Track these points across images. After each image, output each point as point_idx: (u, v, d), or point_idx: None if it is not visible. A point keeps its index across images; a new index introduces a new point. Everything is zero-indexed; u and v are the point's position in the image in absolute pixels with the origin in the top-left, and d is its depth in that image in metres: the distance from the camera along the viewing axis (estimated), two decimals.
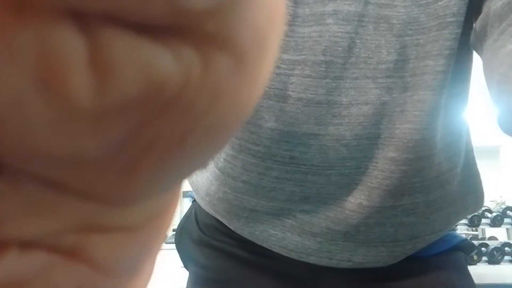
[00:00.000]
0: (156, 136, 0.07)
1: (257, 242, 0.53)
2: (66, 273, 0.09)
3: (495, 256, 3.48)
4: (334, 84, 0.47)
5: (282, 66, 0.47)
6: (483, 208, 4.01)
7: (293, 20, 0.47)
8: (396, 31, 0.48)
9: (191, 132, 0.08)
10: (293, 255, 0.52)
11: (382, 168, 0.49)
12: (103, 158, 0.07)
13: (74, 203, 0.08)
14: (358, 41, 0.47)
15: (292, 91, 0.47)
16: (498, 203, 5.94)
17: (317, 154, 0.48)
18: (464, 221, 3.76)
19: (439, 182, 0.52)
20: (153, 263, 0.12)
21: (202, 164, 0.09)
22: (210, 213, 0.57)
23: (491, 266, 3.42)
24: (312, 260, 0.51)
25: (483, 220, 3.74)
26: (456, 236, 0.60)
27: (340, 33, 0.47)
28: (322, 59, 0.47)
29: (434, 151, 0.50)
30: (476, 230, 4.88)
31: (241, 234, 0.54)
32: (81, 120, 0.07)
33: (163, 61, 0.07)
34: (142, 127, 0.07)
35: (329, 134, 0.48)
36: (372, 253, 0.51)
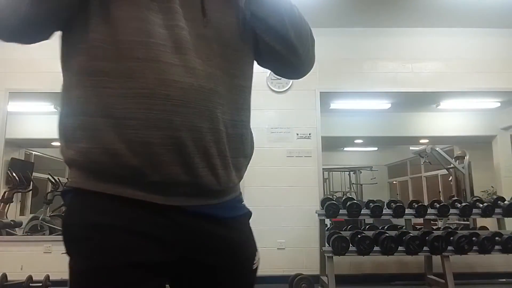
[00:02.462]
0: None
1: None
2: None
3: (486, 245, 3.52)
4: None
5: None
6: (474, 199, 4.03)
7: None
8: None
9: None
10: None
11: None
12: None
13: None
14: None
15: None
16: (489, 193, 6.00)
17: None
18: (455, 211, 3.79)
19: None
20: None
21: None
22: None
23: (482, 256, 3.45)
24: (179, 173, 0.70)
25: (474, 210, 3.77)
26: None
27: None
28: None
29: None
30: (467, 220, 4.91)
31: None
32: None
33: None
34: None
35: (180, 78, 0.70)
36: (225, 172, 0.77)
